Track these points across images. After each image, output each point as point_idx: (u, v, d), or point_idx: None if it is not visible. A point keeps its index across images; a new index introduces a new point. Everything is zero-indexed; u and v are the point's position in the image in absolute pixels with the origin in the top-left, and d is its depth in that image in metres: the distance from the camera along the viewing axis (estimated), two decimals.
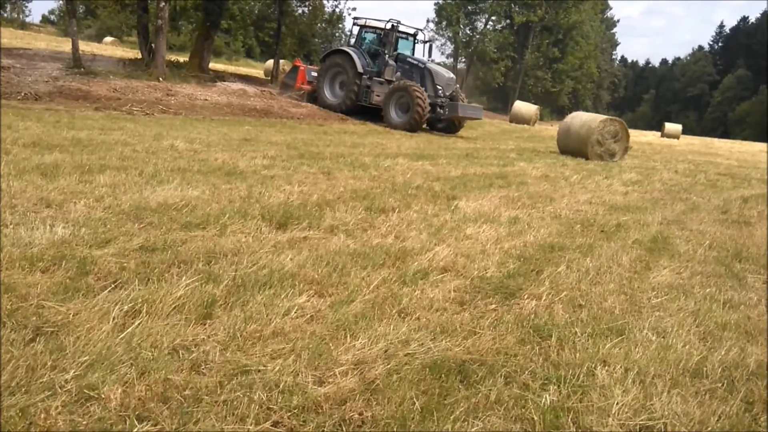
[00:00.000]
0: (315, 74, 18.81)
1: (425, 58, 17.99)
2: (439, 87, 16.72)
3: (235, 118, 13.47)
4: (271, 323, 2.73)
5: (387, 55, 17.36)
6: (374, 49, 17.82)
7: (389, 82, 16.88)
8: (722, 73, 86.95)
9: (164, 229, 3.94)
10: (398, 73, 17.02)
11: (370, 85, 17.22)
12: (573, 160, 12.72)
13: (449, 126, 17.80)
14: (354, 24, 18.57)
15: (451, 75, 17.78)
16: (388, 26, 17.52)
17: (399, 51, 17.70)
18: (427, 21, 60.22)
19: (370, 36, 18.26)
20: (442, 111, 16.64)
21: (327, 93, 18.09)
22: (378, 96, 17.00)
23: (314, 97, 18.41)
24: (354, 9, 61.17)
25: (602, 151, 13.79)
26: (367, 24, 18.17)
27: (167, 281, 3.05)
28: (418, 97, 15.77)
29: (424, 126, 17.10)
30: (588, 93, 62.99)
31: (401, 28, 17.72)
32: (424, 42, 18.91)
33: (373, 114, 17.34)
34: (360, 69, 17.11)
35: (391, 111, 16.51)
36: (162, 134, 8.63)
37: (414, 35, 18.55)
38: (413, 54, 18.30)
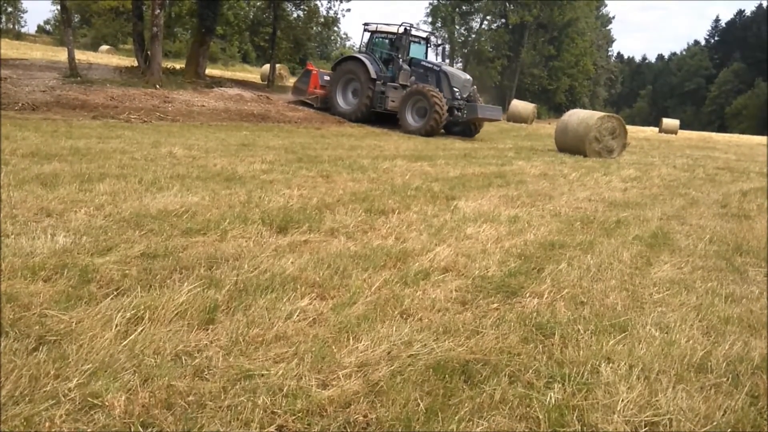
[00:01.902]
0: (328, 78, 18.42)
1: (440, 61, 17.69)
2: (456, 89, 16.34)
3: (233, 124, 13.48)
4: (273, 327, 2.73)
5: (401, 60, 16.98)
6: (386, 54, 17.52)
7: (404, 86, 16.49)
8: (718, 67, 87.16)
9: (165, 236, 3.94)
10: (413, 78, 16.68)
11: (384, 91, 16.79)
12: (571, 158, 12.72)
13: (466, 129, 17.30)
14: (365, 30, 18.21)
15: (468, 77, 17.37)
16: (401, 30, 17.20)
17: (412, 55, 17.34)
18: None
19: (381, 41, 17.94)
20: (459, 114, 16.22)
21: (340, 101, 17.74)
22: (393, 101, 16.56)
23: (327, 105, 18.04)
24: (348, 10, 61.18)
25: (600, 147, 13.79)
26: (378, 29, 17.85)
27: (169, 287, 3.05)
28: (435, 101, 15.33)
29: (441, 130, 16.56)
30: (585, 90, 62.93)
31: (413, 32, 17.43)
32: (437, 45, 18.66)
33: (387, 120, 16.95)
34: (373, 75, 16.77)
35: (407, 116, 16.10)
36: (160, 141, 8.64)
37: (426, 39, 18.33)
38: (426, 58, 17.98)
